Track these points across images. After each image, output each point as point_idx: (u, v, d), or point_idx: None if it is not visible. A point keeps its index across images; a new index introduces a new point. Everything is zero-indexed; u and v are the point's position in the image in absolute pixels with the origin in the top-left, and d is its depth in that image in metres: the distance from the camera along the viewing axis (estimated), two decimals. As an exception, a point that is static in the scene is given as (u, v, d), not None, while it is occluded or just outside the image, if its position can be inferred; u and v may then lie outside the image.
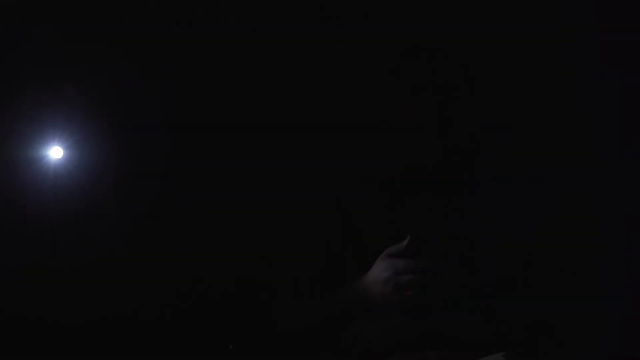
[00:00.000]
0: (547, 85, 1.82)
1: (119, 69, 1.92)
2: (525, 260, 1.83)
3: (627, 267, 1.73)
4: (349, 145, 1.94)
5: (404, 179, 1.73)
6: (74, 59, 1.87)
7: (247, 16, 2.00)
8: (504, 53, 1.89)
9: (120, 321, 1.87)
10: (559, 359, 1.78)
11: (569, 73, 1.78)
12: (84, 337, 1.80)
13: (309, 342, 1.63)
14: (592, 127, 1.76)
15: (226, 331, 1.89)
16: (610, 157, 1.73)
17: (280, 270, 1.72)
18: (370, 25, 2.00)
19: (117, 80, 1.92)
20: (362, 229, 1.71)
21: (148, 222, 1.96)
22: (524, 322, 1.77)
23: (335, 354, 1.60)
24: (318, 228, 1.72)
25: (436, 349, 1.57)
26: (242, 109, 1.92)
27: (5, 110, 1.86)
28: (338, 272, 1.69)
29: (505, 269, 1.74)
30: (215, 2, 1.95)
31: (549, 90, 1.82)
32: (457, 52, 1.92)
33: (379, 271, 1.60)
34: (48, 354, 1.75)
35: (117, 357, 1.86)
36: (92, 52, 1.88)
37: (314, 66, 2.02)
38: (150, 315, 1.92)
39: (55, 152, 1.87)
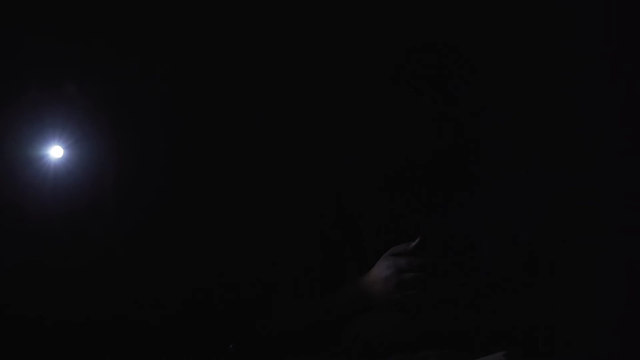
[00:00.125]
0: (547, 84, 1.82)
1: (119, 69, 1.92)
2: (525, 260, 1.83)
3: (627, 267, 1.73)
4: (349, 142, 1.94)
5: (404, 177, 1.73)
6: (74, 58, 1.87)
7: (247, 15, 2.00)
8: (505, 52, 1.89)
9: (120, 321, 1.87)
10: (559, 359, 1.78)
11: (569, 72, 1.78)
12: (83, 337, 1.80)
13: (308, 342, 1.63)
14: (592, 127, 1.76)
15: (226, 331, 1.89)
16: (611, 157, 1.73)
17: (280, 269, 1.72)
18: (371, 23, 2.00)
19: (117, 79, 1.92)
20: (362, 226, 1.71)
21: (148, 221, 1.96)
22: (524, 322, 1.77)
23: (335, 354, 1.60)
24: (317, 226, 1.72)
25: (436, 348, 1.57)
26: (242, 107, 1.92)
27: (5, 109, 1.86)
28: (337, 270, 1.69)
29: (505, 268, 1.74)
30: (216, 2, 1.95)
31: (549, 89, 1.82)
32: (458, 50, 1.92)
33: (381, 269, 1.60)
34: (48, 354, 1.75)
35: (117, 357, 1.86)
36: (92, 51, 1.88)
37: (315, 63, 2.02)
38: (151, 315, 1.92)
39: (55, 152, 1.87)
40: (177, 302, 1.94)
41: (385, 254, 1.60)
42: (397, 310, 1.59)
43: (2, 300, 1.67)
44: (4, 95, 1.84)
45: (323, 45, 2.01)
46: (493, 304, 1.64)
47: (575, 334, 1.79)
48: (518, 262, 1.79)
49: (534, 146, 1.85)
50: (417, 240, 1.58)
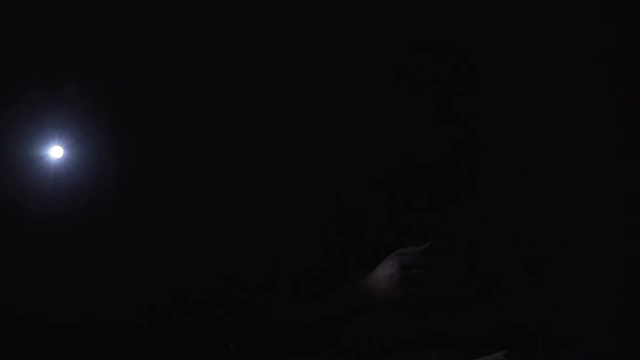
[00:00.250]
0: (547, 84, 1.82)
1: (119, 69, 1.92)
2: (525, 260, 1.83)
3: (627, 267, 1.73)
4: (349, 142, 1.94)
5: (404, 177, 1.73)
6: (74, 58, 1.87)
7: (247, 15, 2.00)
8: (505, 52, 1.89)
9: (120, 321, 1.87)
10: (559, 359, 1.78)
11: (569, 72, 1.78)
12: (83, 337, 1.80)
13: (309, 342, 1.63)
14: (592, 127, 1.76)
15: (226, 331, 1.89)
16: (611, 157, 1.73)
17: (280, 269, 1.72)
18: (372, 23, 2.00)
19: (117, 79, 1.92)
20: (362, 226, 1.71)
21: (148, 221, 1.96)
22: (524, 321, 1.77)
23: (335, 354, 1.60)
24: (318, 225, 1.72)
25: (436, 348, 1.57)
26: (242, 107, 1.92)
27: (5, 109, 1.86)
28: (338, 270, 1.69)
29: (505, 268, 1.74)
30: (216, 2, 1.95)
31: (549, 89, 1.82)
32: (460, 49, 1.92)
33: (386, 267, 1.60)
34: (48, 354, 1.75)
35: (117, 357, 1.86)
36: (92, 51, 1.88)
37: (315, 63, 2.02)
38: (151, 314, 1.92)
39: (55, 152, 1.87)
40: (177, 302, 1.94)
41: (391, 254, 1.60)
42: (399, 308, 1.59)
43: (2, 300, 1.67)
44: (4, 95, 1.84)
45: (323, 46, 2.01)
46: (493, 304, 1.64)
47: (575, 334, 1.79)
48: (518, 262, 1.79)
49: (534, 146, 1.85)
50: (426, 245, 1.58)
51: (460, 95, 1.82)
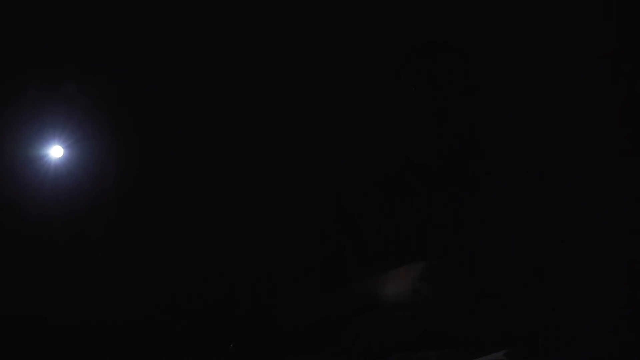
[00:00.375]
0: (548, 84, 1.82)
1: (119, 69, 1.91)
2: (526, 260, 1.82)
3: (627, 267, 1.73)
4: (349, 142, 1.94)
5: (404, 177, 1.73)
6: (74, 58, 1.87)
7: (247, 15, 2.00)
8: (507, 51, 1.89)
9: (120, 321, 1.87)
10: (559, 359, 1.78)
11: (569, 72, 1.78)
12: (83, 337, 1.80)
13: (309, 342, 1.63)
14: (592, 127, 1.76)
15: (226, 331, 1.89)
16: (611, 157, 1.73)
17: (280, 268, 1.72)
18: (373, 22, 2.00)
19: (117, 79, 1.92)
20: (362, 225, 1.71)
21: (148, 221, 1.96)
22: (524, 322, 1.77)
23: (335, 354, 1.60)
24: (318, 224, 1.72)
25: (436, 348, 1.57)
26: (242, 107, 1.92)
27: (5, 109, 1.86)
28: (338, 269, 1.69)
29: (505, 268, 1.74)
30: (216, 2, 1.95)
31: (549, 89, 1.82)
32: (460, 49, 1.92)
33: (399, 270, 1.61)
34: (48, 354, 1.75)
35: (117, 357, 1.86)
36: (92, 51, 1.88)
37: (315, 63, 2.02)
38: (150, 314, 1.92)
39: (55, 152, 1.87)
40: (177, 302, 1.94)
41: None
42: (404, 307, 1.60)
43: (2, 300, 1.67)
44: (4, 95, 1.84)
45: (324, 46, 2.01)
46: (493, 304, 1.64)
47: (575, 334, 1.79)
48: (518, 263, 1.79)
49: (534, 146, 1.85)
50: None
51: (460, 95, 1.82)
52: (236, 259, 1.96)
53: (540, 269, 1.79)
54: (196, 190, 1.99)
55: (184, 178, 1.98)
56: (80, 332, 1.80)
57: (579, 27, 1.75)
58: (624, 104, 1.70)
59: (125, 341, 1.88)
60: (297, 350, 1.59)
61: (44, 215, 1.85)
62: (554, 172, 1.82)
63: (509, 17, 1.87)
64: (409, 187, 1.74)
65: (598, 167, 1.75)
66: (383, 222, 1.71)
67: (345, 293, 1.65)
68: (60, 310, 1.78)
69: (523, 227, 1.82)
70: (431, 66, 1.77)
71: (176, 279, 1.93)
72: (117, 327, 1.86)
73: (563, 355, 1.79)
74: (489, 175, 1.87)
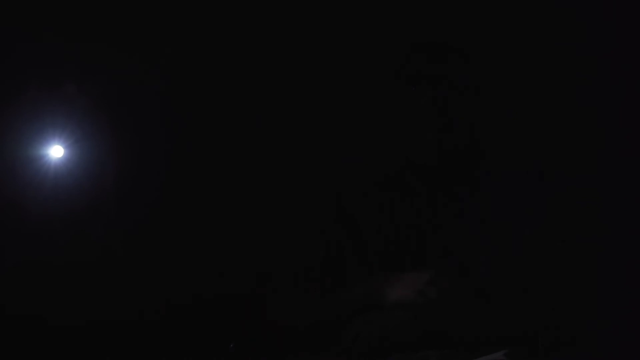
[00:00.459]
0: (548, 84, 1.82)
1: (119, 69, 1.91)
2: (526, 260, 1.82)
3: (627, 267, 1.73)
4: (350, 141, 1.94)
5: (404, 177, 1.73)
6: (74, 58, 1.87)
7: (247, 15, 2.00)
8: (507, 51, 1.89)
9: (120, 321, 1.87)
10: (559, 359, 1.78)
11: (569, 72, 1.78)
12: (83, 336, 1.80)
13: (309, 342, 1.63)
14: (593, 127, 1.76)
15: (226, 331, 1.89)
16: (611, 157, 1.73)
17: (280, 268, 1.72)
18: (373, 22, 2.00)
19: (117, 79, 1.92)
20: (362, 225, 1.71)
21: (148, 221, 1.95)
22: (524, 322, 1.77)
23: (336, 353, 1.60)
24: (318, 224, 1.72)
25: (436, 348, 1.57)
26: (242, 106, 1.92)
27: (5, 109, 1.86)
28: (338, 269, 1.69)
29: (505, 268, 1.74)
30: (216, 2, 1.95)
31: (550, 89, 1.82)
32: (460, 49, 1.92)
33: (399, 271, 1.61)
34: (48, 354, 1.75)
35: (117, 357, 1.86)
36: (92, 51, 1.88)
37: (315, 63, 2.02)
38: (150, 314, 1.92)
39: (55, 151, 1.87)
40: (177, 302, 1.94)
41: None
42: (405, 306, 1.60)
43: (2, 300, 1.67)
44: (4, 95, 1.84)
45: (323, 46, 2.00)
46: (493, 304, 1.64)
47: (575, 334, 1.79)
48: (518, 263, 1.79)
49: (534, 146, 1.85)
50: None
51: (460, 95, 1.82)
52: (236, 258, 1.96)
53: (540, 269, 1.79)
54: (196, 190, 1.99)
55: (184, 178, 1.98)
56: (80, 332, 1.80)
57: (579, 27, 1.75)
58: (624, 104, 1.70)
59: (125, 341, 1.88)
60: (297, 350, 1.59)
61: (44, 215, 1.85)
62: (554, 172, 1.82)
63: (509, 17, 1.87)
64: (409, 187, 1.74)
65: (598, 167, 1.75)
66: (383, 222, 1.71)
67: (345, 293, 1.65)
68: (60, 310, 1.78)
69: (523, 227, 1.82)
70: (431, 66, 1.77)
71: (176, 278, 1.93)
72: (117, 327, 1.86)
73: (563, 355, 1.79)
74: (489, 176, 1.87)
